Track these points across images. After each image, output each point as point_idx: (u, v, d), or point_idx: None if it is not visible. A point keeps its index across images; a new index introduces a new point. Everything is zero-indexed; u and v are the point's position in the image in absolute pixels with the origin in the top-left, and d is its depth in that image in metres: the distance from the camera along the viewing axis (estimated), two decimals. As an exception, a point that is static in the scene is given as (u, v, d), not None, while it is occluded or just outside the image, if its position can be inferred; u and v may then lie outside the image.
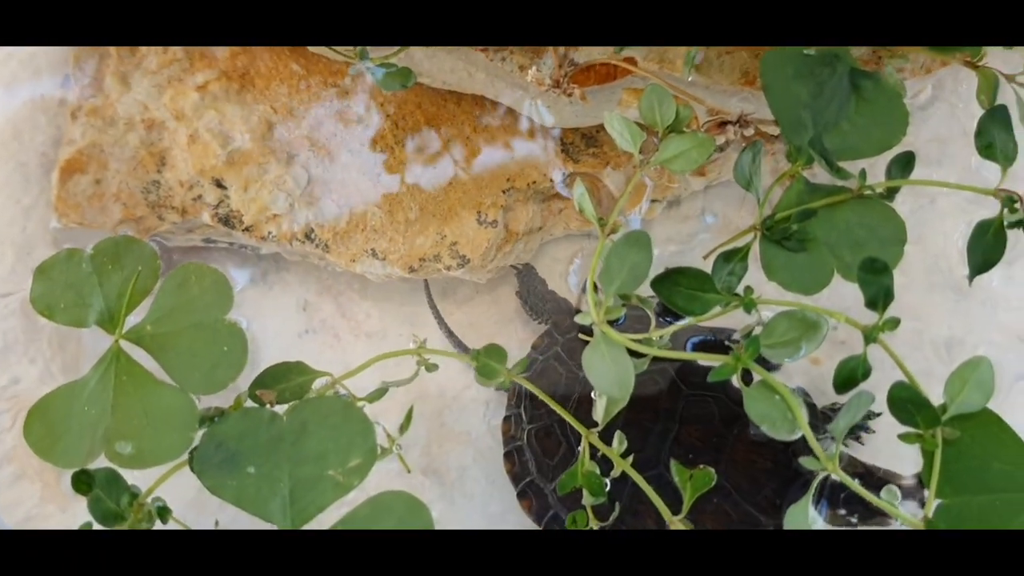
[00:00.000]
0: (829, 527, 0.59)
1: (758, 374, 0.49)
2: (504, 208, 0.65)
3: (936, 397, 0.47)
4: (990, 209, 0.52)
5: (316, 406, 0.50)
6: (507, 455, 0.64)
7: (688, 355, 0.56)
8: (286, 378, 0.53)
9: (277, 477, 0.49)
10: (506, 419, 0.65)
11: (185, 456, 0.49)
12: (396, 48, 0.55)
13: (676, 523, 0.49)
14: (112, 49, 0.65)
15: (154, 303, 0.52)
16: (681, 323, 0.53)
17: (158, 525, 0.49)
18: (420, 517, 0.45)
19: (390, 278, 0.65)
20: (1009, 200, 0.51)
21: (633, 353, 0.49)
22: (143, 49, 0.65)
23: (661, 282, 0.52)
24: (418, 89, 0.65)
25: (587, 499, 0.53)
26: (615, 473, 0.53)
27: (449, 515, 0.66)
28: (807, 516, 0.48)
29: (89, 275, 0.53)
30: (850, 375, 0.49)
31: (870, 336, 0.48)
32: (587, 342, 0.50)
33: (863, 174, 0.52)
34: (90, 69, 0.65)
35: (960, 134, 0.69)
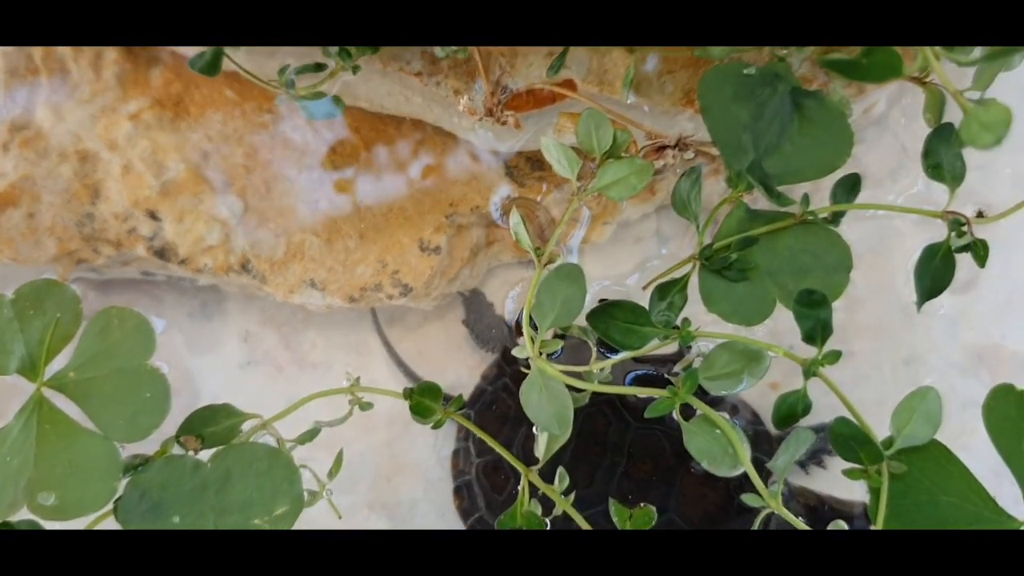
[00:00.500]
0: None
1: (699, 408, 0.47)
2: (447, 234, 0.63)
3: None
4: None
5: (240, 452, 0.48)
6: (456, 490, 0.62)
7: (626, 389, 0.54)
8: (214, 421, 0.51)
9: (202, 526, 0.47)
10: (455, 453, 0.63)
11: (110, 506, 0.48)
12: (324, 75, 0.54)
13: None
14: (44, 77, 0.63)
15: (76, 349, 0.50)
16: (621, 356, 0.51)
17: None
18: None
19: (331, 308, 0.63)
20: (956, 223, 0.49)
21: (572, 387, 0.48)
22: (76, 76, 0.63)
23: (597, 316, 0.50)
24: (356, 114, 0.63)
25: (527, 540, 0.51)
26: (557, 511, 0.52)
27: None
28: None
29: (10, 321, 0.51)
30: (789, 411, 0.47)
31: (809, 371, 0.47)
32: (534, 373, 0.49)
33: (805, 199, 0.50)
34: (21, 99, 0.63)
35: (918, 145, 0.67)
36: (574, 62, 0.56)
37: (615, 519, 0.49)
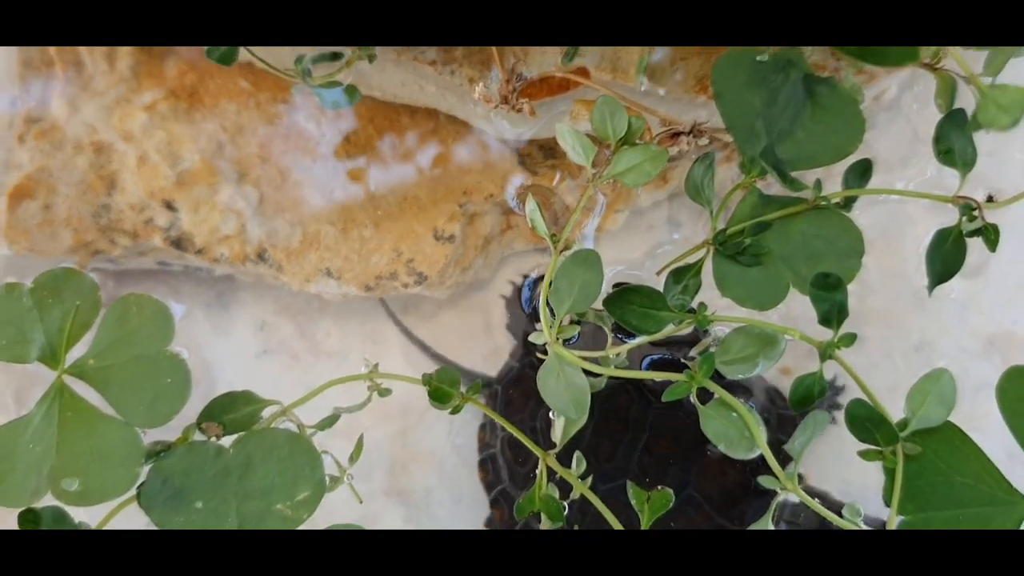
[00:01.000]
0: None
1: (715, 392, 0.48)
2: (461, 222, 0.64)
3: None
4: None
5: (262, 438, 0.49)
6: (481, 463, 0.64)
7: (643, 374, 0.55)
8: (234, 408, 0.52)
9: (225, 512, 0.48)
10: (481, 427, 0.64)
11: (133, 492, 0.48)
12: (340, 64, 0.54)
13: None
14: (59, 69, 0.64)
15: (96, 336, 0.51)
16: (637, 340, 0.52)
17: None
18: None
19: (346, 297, 0.64)
20: (967, 208, 0.50)
21: (589, 372, 0.48)
22: (90, 69, 0.64)
23: (613, 301, 0.51)
24: (370, 103, 0.63)
25: (545, 523, 0.52)
26: (575, 495, 0.52)
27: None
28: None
29: (29, 310, 0.51)
30: (806, 393, 0.48)
31: (825, 353, 0.47)
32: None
33: (818, 184, 0.51)
34: (36, 91, 0.64)
35: (929, 131, 0.67)
36: (588, 50, 0.57)
37: (632, 501, 0.49)
